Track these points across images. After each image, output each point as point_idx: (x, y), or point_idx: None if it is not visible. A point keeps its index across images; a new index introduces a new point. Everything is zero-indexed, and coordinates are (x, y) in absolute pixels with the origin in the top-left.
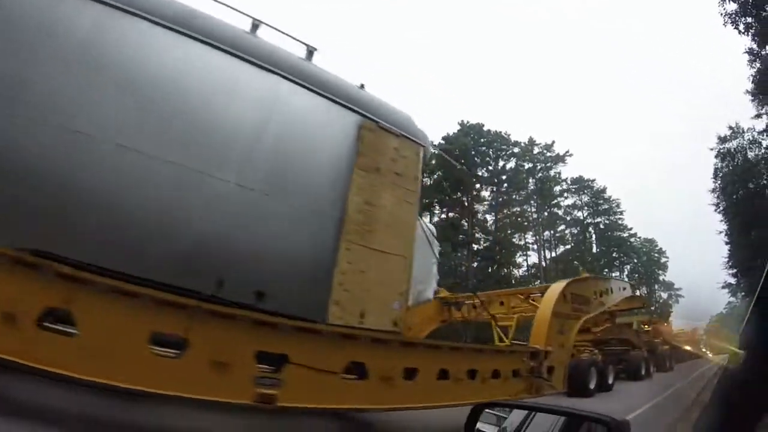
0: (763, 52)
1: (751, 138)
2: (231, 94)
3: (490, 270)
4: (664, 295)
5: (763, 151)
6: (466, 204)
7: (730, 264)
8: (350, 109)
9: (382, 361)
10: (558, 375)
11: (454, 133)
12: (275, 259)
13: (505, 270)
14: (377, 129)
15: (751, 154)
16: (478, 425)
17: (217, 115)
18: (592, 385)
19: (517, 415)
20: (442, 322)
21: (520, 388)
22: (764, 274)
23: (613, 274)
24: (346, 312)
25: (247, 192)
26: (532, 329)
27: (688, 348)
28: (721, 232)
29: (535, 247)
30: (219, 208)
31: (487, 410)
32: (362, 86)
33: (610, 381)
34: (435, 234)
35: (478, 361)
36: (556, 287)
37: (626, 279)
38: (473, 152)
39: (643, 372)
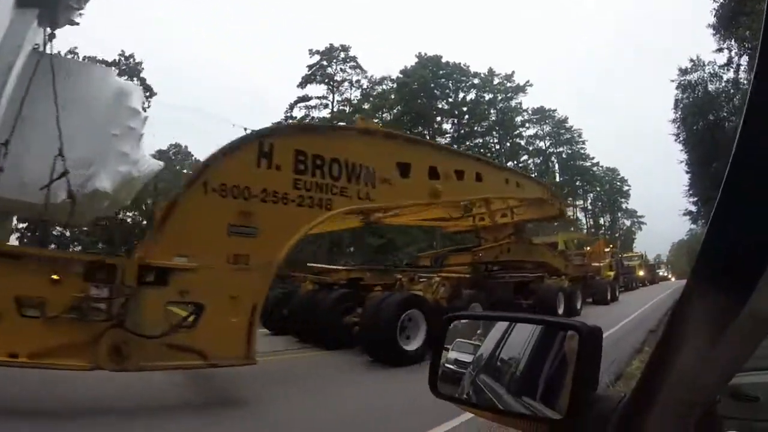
0: None
1: (711, 71)
2: None
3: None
4: (628, 223)
5: (723, 84)
6: (427, 137)
7: (691, 193)
8: None
9: None
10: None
11: (412, 65)
12: None
13: None
14: None
15: (711, 87)
16: (456, 355)
17: None
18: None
19: (491, 341)
20: None
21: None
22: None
23: (578, 203)
24: None
25: None
26: None
27: (641, 274)
28: (681, 162)
29: None
30: None
31: (459, 339)
32: None
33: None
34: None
35: None
36: None
37: (589, 207)
38: (432, 85)
39: (560, 309)
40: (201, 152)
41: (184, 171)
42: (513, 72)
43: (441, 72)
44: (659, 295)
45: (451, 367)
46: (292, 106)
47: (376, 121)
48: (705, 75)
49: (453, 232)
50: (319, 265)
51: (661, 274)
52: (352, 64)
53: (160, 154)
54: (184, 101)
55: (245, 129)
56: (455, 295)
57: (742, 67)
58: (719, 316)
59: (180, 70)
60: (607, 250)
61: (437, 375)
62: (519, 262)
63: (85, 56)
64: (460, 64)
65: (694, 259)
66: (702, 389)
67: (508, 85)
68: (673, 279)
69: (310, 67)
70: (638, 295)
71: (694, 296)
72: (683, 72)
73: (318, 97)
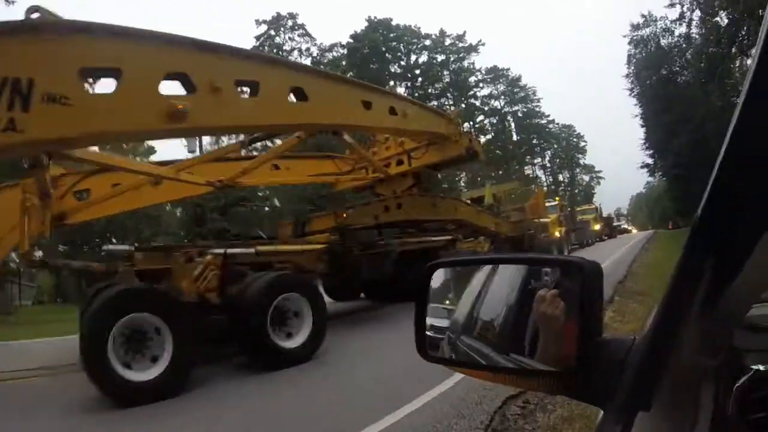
0: None
1: (663, 26)
2: None
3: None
4: (586, 178)
5: (675, 39)
6: None
7: (646, 146)
8: None
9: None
10: None
11: (362, 29)
12: None
13: None
14: None
15: (663, 42)
16: (430, 321)
17: None
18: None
19: (468, 299)
20: None
21: None
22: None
23: (536, 161)
24: None
25: None
26: None
27: (597, 229)
28: (636, 116)
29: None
30: None
31: (435, 304)
32: None
33: None
34: None
35: None
36: None
37: (548, 164)
38: (384, 48)
39: None
40: None
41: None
42: (464, 32)
43: (392, 35)
44: (619, 249)
45: (429, 333)
46: None
47: None
48: (657, 30)
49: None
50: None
51: (622, 226)
52: (300, 32)
53: None
54: None
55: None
56: (234, 282)
57: (693, 22)
58: (743, 242)
59: None
60: (554, 202)
61: (425, 337)
62: (417, 222)
63: None
64: (410, 26)
65: (654, 207)
66: (726, 319)
67: (460, 45)
68: (634, 231)
69: (257, 38)
70: (593, 253)
71: (709, 225)
72: (635, 27)
73: None
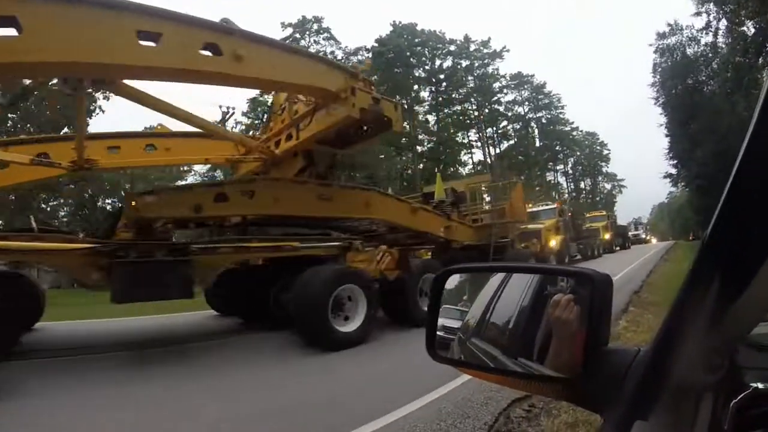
0: None
1: (690, 35)
2: None
3: (436, 170)
4: (608, 186)
5: (701, 48)
6: (405, 106)
7: (670, 156)
8: None
9: None
10: None
11: (387, 34)
12: None
13: (452, 169)
14: None
15: (689, 51)
16: (442, 321)
17: None
18: None
19: (480, 302)
20: None
21: None
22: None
23: (558, 167)
24: None
25: None
26: None
27: (607, 238)
28: (661, 125)
29: (479, 144)
30: None
31: (449, 305)
32: None
33: None
34: None
35: None
36: None
37: (570, 171)
38: (408, 53)
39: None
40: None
41: None
42: (489, 38)
43: (416, 40)
44: (631, 264)
45: (440, 333)
46: None
47: None
48: (683, 39)
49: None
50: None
51: (639, 235)
52: (325, 35)
53: None
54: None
55: (220, 107)
56: None
57: (720, 31)
58: (751, 257)
59: None
60: (552, 206)
61: (435, 337)
62: (306, 219)
63: None
64: (435, 31)
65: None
66: (729, 336)
67: (485, 51)
68: (654, 241)
69: (282, 40)
70: (603, 265)
71: (718, 241)
72: (661, 36)
73: None
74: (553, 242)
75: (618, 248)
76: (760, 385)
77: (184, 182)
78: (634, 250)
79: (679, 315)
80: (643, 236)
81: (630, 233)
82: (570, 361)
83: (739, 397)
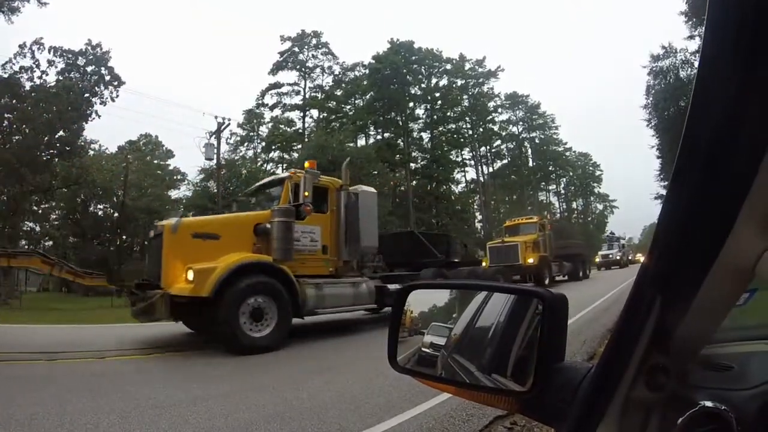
0: None
1: (683, 58)
2: None
3: (429, 188)
4: (600, 207)
5: (694, 70)
6: (400, 123)
7: (662, 177)
8: None
9: None
10: None
11: (384, 51)
12: None
13: (444, 187)
14: None
15: (683, 74)
16: (431, 339)
17: None
18: None
19: (464, 319)
20: None
21: None
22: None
23: (550, 187)
24: None
25: None
26: None
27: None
28: (653, 147)
29: (473, 163)
30: None
31: (435, 323)
32: None
33: None
34: None
35: None
36: None
37: (562, 191)
38: (405, 70)
39: None
40: (171, 142)
41: (155, 161)
42: (484, 57)
43: (413, 57)
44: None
45: (427, 350)
46: (263, 93)
47: (348, 107)
48: (677, 61)
49: None
50: None
51: (612, 257)
52: (324, 50)
53: (130, 145)
54: (148, 88)
55: (216, 117)
56: None
57: None
58: (688, 281)
59: (143, 55)
60: (533, 219)
61: (395, 348)
62: None
63: (50, 46)
64: (432, 49)
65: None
66: (675, 356)
67: (480, 70)
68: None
69: (281, 53)
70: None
71: (657, 266)
72: (655, 58)
73: (290, 84)
74: (531, 260)
75: (562, 277)
76: (708, 403)
77: (177, 191)
78: (596, 279)
79: (623, 334)
80: (620, 257)
81: (600, 253)
82: (527, 377)
83: (686, 415)
